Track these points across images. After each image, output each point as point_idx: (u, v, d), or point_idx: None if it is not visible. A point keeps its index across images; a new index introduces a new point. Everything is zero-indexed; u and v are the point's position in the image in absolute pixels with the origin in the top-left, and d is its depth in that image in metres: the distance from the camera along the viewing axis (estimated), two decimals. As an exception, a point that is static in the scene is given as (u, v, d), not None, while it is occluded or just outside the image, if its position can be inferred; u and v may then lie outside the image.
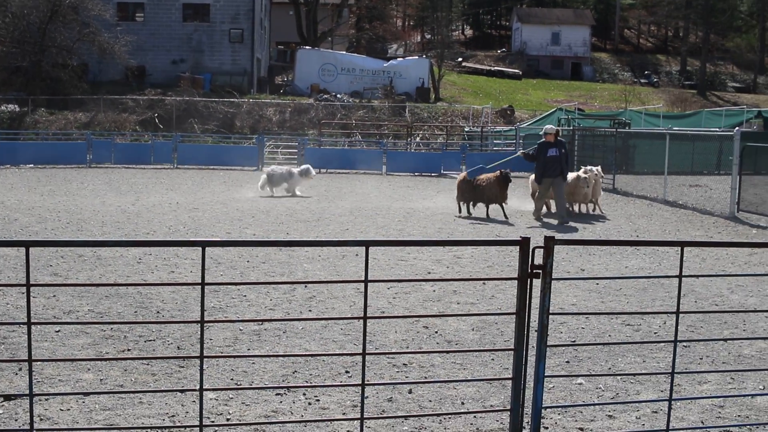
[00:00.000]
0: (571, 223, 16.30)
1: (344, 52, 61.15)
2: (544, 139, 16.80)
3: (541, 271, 4.40)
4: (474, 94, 60.43)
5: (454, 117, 48.89)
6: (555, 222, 16.47)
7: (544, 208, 17.69)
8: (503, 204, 17.09)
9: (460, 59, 74.32)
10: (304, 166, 21.89)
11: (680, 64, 78.36)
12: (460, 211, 17.57)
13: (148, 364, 6.71)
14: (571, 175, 17.40)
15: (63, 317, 8.12)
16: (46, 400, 5.82)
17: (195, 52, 51.35)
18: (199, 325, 4.39)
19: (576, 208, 18.32)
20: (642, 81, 74.19)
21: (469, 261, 11.84)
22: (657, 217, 17.97)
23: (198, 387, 4.26)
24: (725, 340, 5.42)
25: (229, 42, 51.78)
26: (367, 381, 6.30)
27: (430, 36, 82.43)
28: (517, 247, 4.45)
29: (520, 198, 19.88)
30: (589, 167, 17.96)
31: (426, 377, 6.60)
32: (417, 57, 61.07)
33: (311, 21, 60.86)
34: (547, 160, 16.52)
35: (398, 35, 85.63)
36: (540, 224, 16.30)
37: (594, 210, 18.47)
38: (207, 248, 10.77)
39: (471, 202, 17.45)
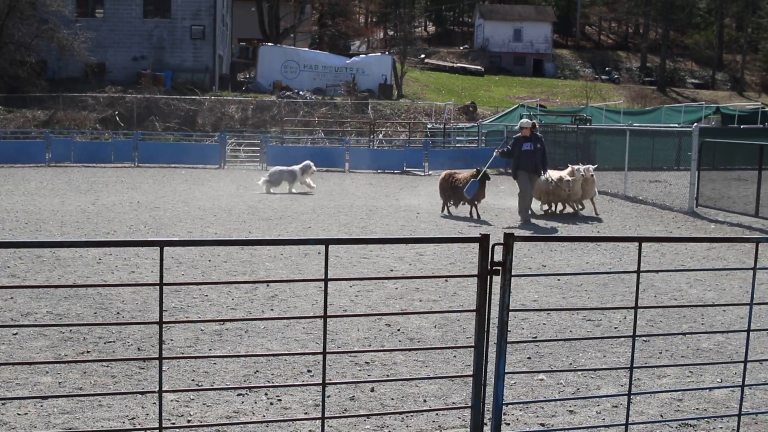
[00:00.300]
0: (543, 223, 16.32)
1: (307, 49, 60.99)
2: (519, 134, 16.31)
3: (500, 268, 4.41)
4: (437, 91, 60.57)
5: (416, 114, 48.95)
6: (541, 221, 16.29)
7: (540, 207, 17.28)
8: (477, 202, 16.88)
9: (422, 56, 74.47)
10: (305, 162, 22.46)
11: (640, 61, 79.26)
12: (443, 210, 17.28)
13: (107, 366, 6.64)
14: (554, 174, 16.88)
15: (21, 319, 8.00)
16: (3, 404, 5.73)
17: (156, 49, 50.77)
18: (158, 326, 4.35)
19: (555, 208, 17.77)
20: (603, 77, 74.87)
21: (431, 258, 11.86)
22: (618, 212, 18.15)
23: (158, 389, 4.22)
24: (684, 334, 5.48)
25: (191, 39, 51.29)
26: (329, 380, 6.29)
27: (392, 32, 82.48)
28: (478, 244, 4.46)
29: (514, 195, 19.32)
30: (578, 167, 17.23)
31: (388, 375, 6.60)
32: (380, 54, 61.12)
33: (273, 17, 60.57)
34: (521, 154, 16.07)
35: (361, 32, 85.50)
36: (520, 223, 15.84)
37: (580, 208, 17.64)
38: (167, 248, 10.64)
39: (451, 202, 17.24)
